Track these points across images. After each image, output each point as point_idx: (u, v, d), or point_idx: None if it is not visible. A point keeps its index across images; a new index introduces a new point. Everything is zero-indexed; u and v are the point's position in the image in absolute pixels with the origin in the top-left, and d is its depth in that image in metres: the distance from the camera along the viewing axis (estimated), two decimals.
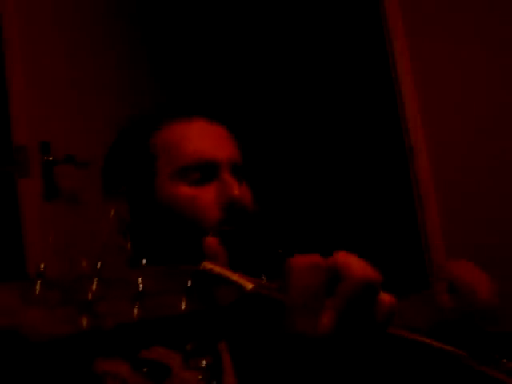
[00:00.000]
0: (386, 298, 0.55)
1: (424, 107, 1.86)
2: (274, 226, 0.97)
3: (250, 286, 0.51)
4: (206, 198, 0.90)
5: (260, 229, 0.92)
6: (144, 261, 0.49)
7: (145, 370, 0.59)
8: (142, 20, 2.32)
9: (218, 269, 0.52)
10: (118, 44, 2.06)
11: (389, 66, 1.92)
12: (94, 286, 0.44)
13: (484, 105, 1.82)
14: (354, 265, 0.54)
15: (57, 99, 1.73)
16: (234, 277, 0.52)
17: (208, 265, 0.52)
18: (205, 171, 0.91)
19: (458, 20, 1.86)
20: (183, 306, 0.46)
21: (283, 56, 2.95)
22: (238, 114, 2.77)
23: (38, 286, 0.42)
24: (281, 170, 2.85)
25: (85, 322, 0.41)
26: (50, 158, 1.63)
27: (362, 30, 2.71)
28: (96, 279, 0.44)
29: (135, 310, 0.44)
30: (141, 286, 0.45)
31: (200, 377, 0.57)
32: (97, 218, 0.98)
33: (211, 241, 0.56)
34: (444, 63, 1.86)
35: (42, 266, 0.43)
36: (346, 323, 0.52)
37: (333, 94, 2.89)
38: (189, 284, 0.48)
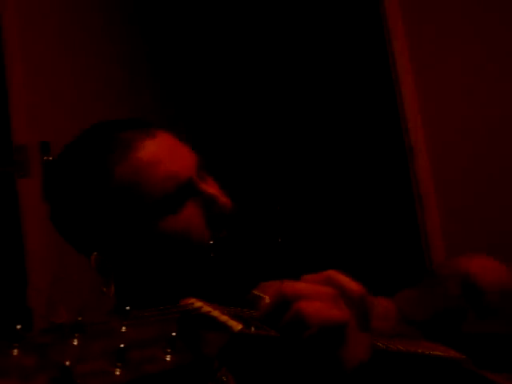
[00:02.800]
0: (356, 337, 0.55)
1: (424, 107, 1.86)
2: (258, 221, 0.95)
3: (238, 327, 0.50)
4: (191, 217, 0.85)
5: (247, 228, 0.90)
6: (128, 308, 0.46)
7: None
8: (142, 20, 2.32)
9: (206, 308, 0.51)
10: (118, 44, 2.06)
11: (389, 66, 1.92)
12: (73, 344, 0.41)
13: (484, 104, 1.82)
14: (313, 308, 0.54)
15: (57, 99, 1.72)
16: (223, 317, 0.50)
17: (196, 303, 0.51)
18: (181, 194, 0.85)
19: (458, 20, 1.86)
20: (168, 359, 0.44)
21: (283, 56, 2.95)
22: (237, 114, 2.78)
23: (14, 352, 0.39)
24: (279, 171, 2.85)
25: None
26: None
27: (362, 30, 2.71)
28: (76, 335, 0.42)
29: (117, 371, 0.41)
30: (122, 342, 0.43)
31: None
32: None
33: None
34: (444, 63, 1.86)
35: (19, 326, 0.40)
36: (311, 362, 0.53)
37: (333, 94, 2.89)
38: (174, 333, 0.45)
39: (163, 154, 0.87)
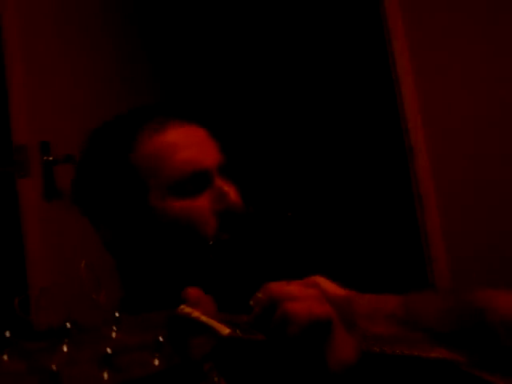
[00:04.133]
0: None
1: (424, 107, 1.86)
2: (269, 227, 0.95)
3: (226, 331, 0.50)
4: (201, 208, 0.87)
5: (255, 232, 0.90)
6: (117, 314, 0.47)
7: None
8: (142, 20, 2.32)
9: (195, 313, 0.51)
10: (118, 43, 2.06)
11: (389, 66, 1.92)
12: (62, 349, 0.42)
13: (484, 104, 1.82)
14: (297, 308, 0.55)
15: (57, 99, 1.72)
16: (211, 322, 0.51)
17: (186, 309, 0.52)
18: (196, 181, 0.88)
19: (458, 20, 1.86)
20: (156, 363, 0.44)
21: (283, 56, 2.95)
22: (236, 114, 2.78)
23: (4, 357, 0.40)
24: (279, 171, 2.85)
25: None
26: (50, 158, 1.63)
27: (362, 29, 2.71)
28: (65, 341, 0.42)
29: (105, 375, 0.41)
30: (111, 347, 0.43)
31: None
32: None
33: (193, 292, 0.55)
34: (444, 63, 1.86)
35: (8, 333, 0.41)
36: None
37: (333, 94, 2.89)
38: (162, 337, 0.46)
39: (188, 141, 0.91)
